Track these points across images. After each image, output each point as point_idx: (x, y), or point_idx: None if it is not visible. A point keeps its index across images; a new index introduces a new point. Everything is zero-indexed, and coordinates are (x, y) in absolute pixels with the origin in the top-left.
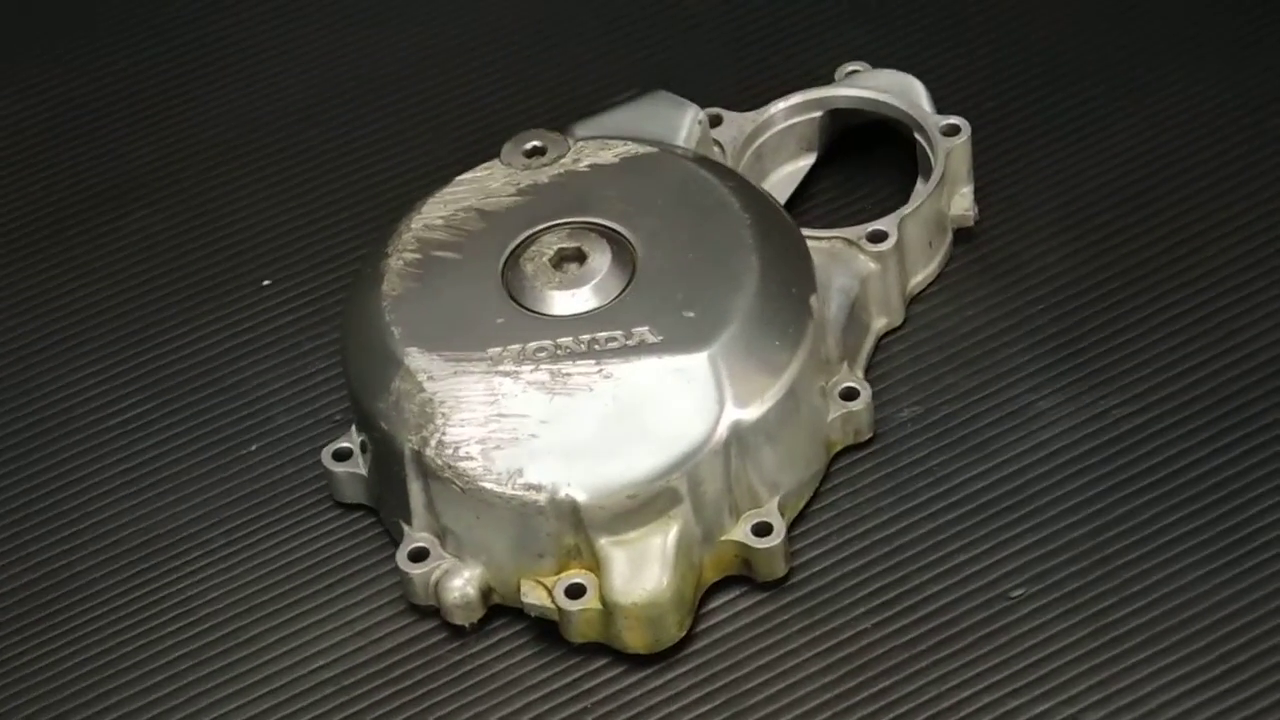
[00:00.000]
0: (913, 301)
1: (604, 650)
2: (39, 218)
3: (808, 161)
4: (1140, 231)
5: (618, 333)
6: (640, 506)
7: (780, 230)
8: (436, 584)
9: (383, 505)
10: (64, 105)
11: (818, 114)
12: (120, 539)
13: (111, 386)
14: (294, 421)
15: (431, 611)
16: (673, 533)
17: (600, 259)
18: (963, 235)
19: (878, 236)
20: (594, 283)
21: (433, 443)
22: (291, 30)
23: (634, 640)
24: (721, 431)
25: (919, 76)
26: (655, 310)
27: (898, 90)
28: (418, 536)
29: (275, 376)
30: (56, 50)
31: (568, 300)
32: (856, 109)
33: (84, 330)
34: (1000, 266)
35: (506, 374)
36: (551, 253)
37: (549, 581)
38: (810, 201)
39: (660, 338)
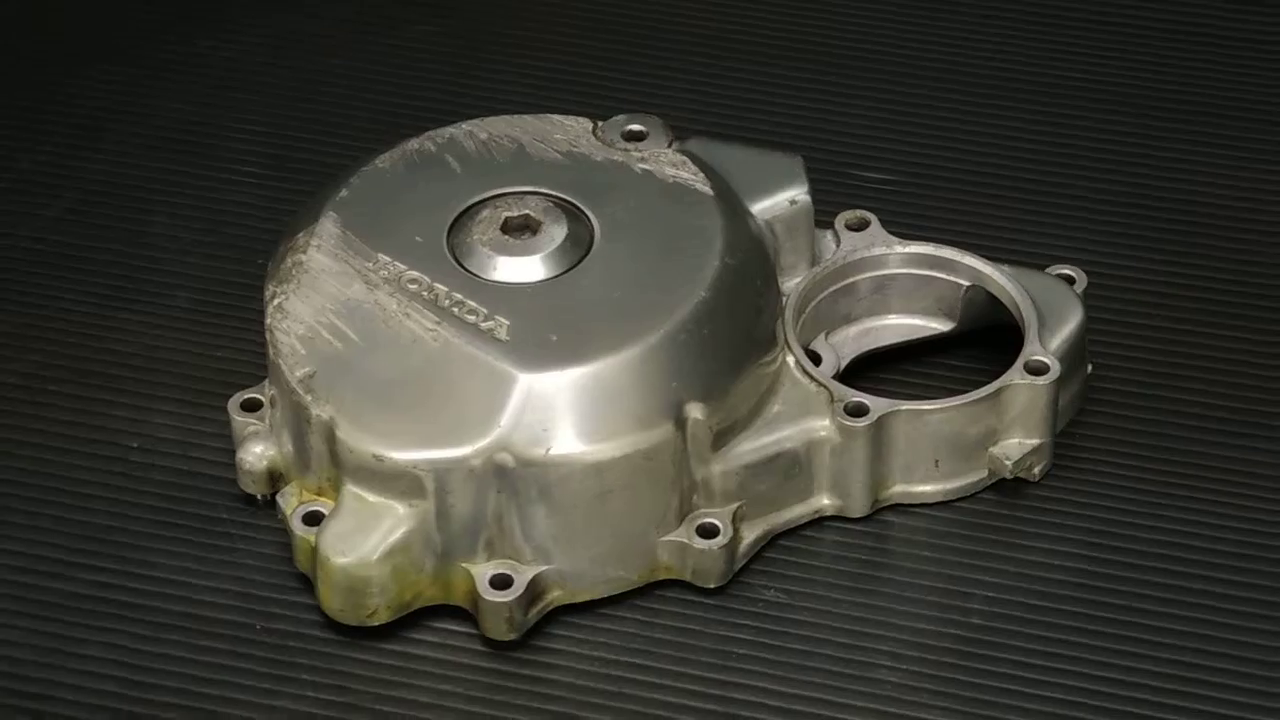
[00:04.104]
0: (889, 508)
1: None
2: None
3: (939, 326)
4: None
5: (483, 310)
6: (384, 474)
7: (724, 329)
8: (241, 441)
9: None
10: None
11: (964, 284)
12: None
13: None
14: None
15: None
16: (407, 522)
17: (545, 244)
18: (1016, 484)
19: (857, 410)
20: (516, 258)
21: (276, 302)
22: None
23: (324, 595)
24: (481, 457)
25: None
26: (532, 315)
27: (1044, 297)
28: (266, 392)
29: None
30: None
31: (481, 259)
32: (986, 290)
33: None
34: (1007, 540)
35: (369, 283)
36: (516, 214)
37: (305, 498)
38: (930, 362)
39: (507, 339)
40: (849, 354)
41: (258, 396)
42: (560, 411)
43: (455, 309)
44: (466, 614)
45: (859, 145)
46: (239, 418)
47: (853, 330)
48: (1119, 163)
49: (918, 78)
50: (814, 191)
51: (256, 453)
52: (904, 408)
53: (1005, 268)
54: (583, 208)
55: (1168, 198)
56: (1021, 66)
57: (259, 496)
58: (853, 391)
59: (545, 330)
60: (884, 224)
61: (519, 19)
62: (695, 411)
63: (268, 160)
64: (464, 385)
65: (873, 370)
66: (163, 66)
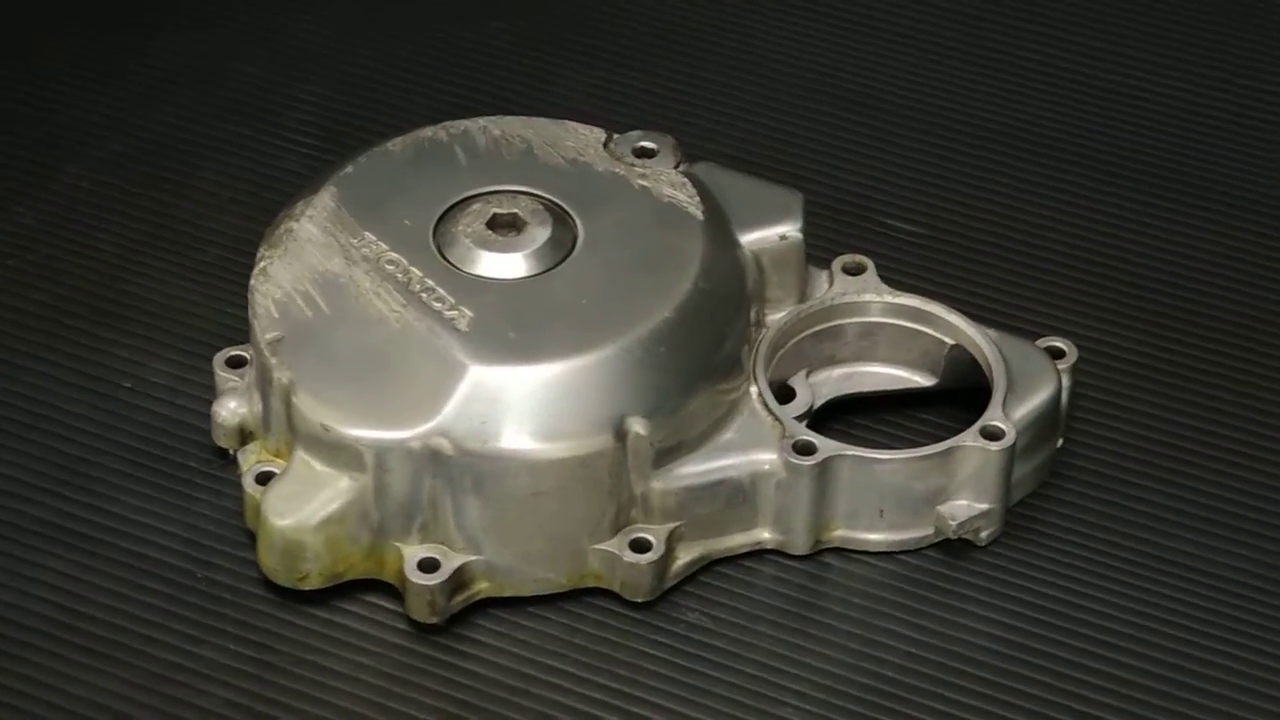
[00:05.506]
0: (833, 551)
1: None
2: None
3: (922, 380)
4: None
5: (450, 299)
6: (330, 444)
7: (683, 351)
8: (219, 395)
9: None
10: None
11: (948, 341)
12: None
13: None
14: None
15: None
16: (347, 494)
17: (525, 244)
18: (962, 545)
19: (804, 449)
20: (494, 254)
21: (263, 264)
22: None
23: (261, 553)
24: (421, 440)
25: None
26: (497, 311)
27: (1022, 364)
28: (250, 353)
29: None
30: None
31: (461, 250)
32: (960, 344)
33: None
34: (939, 600)
35: (348, 258)
36: (504, 212)
37: (263, 457)
38: (912, 415)
39: (466, 329)
40: (826, 395)
41: (243, 354)
42: (504, 407)
43: (424, 294)
44: (399, 592)
45: (890, 192)
46: (222, 373)
47: (836, 373)
48: (1135, 241)
49: (965, 135)
50: (829, 230)
51: (230, 408)
52: (850, 453)
53: (991, 331)
54: (572, 214)
55: (1175, 283)
56: (1072, 137)
57: (230, 451)
58: (804, 430)
59: (506, 327)
60: (892, 272)
61: (592, 28)
62: (638, 426)
63: (323, 134)
64: (416, 369)
65: (853, 415)
66: (243, 35)
